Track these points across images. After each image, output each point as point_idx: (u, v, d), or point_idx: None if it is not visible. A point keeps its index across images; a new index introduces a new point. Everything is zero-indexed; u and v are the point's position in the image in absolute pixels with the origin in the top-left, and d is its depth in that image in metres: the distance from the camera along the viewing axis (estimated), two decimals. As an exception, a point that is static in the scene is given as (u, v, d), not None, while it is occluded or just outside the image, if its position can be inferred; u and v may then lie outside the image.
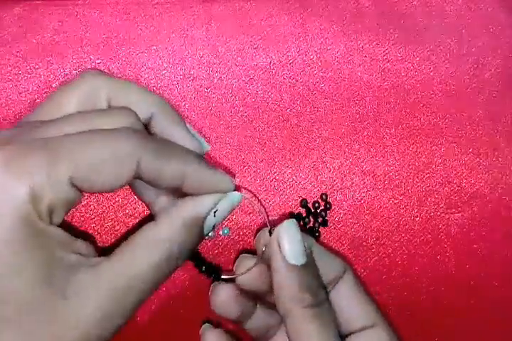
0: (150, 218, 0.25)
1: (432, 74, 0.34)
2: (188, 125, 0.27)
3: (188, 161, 0.24)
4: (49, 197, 0.20)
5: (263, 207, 0.31)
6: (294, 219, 0.26)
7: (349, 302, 0.27)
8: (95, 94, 0.25)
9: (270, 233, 0.26)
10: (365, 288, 0.29)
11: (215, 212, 0.25)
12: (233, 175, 0.32)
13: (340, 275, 0.28)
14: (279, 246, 0.25)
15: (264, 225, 0.29)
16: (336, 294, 0.27)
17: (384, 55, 0.34)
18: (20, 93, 0.32)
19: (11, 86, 0.32)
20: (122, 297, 0.21)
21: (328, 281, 0.27)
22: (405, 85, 0.34)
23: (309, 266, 0.26)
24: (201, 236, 0.25)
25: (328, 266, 0.27)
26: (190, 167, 0.24)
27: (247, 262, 0.28)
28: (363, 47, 0.34)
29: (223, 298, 0.28)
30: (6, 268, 0.19)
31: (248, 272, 0.28)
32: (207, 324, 0.30)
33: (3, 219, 0.19)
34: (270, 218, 0.28)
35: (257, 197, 0.31)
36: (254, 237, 0.29)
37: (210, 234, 0.30)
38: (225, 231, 0.31)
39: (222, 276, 0.29)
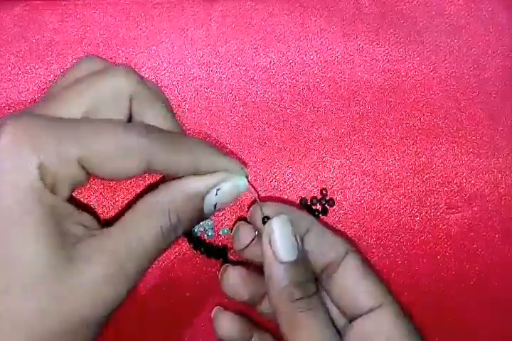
0: (150, 189, 0.25)
1: (431, 74, 0.34)
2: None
3: (198, 152, 0.24)
4: (57, 172, 0.21)
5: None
6: (286, 216, 0.26)
7: (353, 284, 0.27)
8: (118, 95, 0.24)
9: (264, 221, 0.26)
10: (370, 268, 0.28)
11: (217, 191, 0.25)
12: (245, 164, 0.32)
13: (342, 256, 0.27)
14: (270, 242, 0.25)
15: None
16: (340, 276, 0.27)
17: (384, 55, 0.34)
18: (20, 93, 0.32)
19: (10, 86, 0.32)
20: (125, 262, 0.22)
21: (329, 263, 0.27)
22: (405, 85, 0.34)
23: (300, 261, 0.26)
24: (201, 212, 0.25)
25: (328, 247, 0.27)
26: (201, 158, 0.24)
27: (245, 229, 0.28)
28: (363, 47, 0.34)
29: (233, 281, 0.28)
30: (19, 234, 0.20)
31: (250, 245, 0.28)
32: (218, 307, 0.30)
33: (15, 189, 0.20)
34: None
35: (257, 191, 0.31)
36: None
37: (209, 233, 0.31)
38: (225, 231, 0.31)
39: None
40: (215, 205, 0.25)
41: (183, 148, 0.24)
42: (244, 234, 0.28)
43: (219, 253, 0.31)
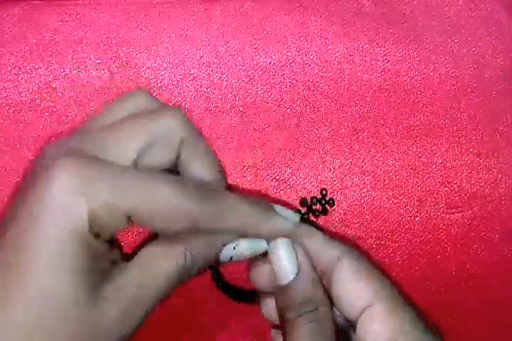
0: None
1: (431, 74, 0.34)
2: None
3: (245, 217, 0.24)
4: (104, 222, 0.21)
5: None
6: (287, 241, 0.26)
7: (345, 287, 0.26)
8: (170, 138, 0.24)
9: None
10: (366, 265, 0.27)
11: (236, 246, 0.25)
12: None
13: (336, 260, 0.27)
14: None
15: None
16: (334, 280, 0.27)
17: (384, 55, 0.34)
18: (20, 93, 0.32)
19: (11, 86, 0.32)
20: (136, 301, 0.22)
21: (324, 268, 0.27)
22: (405, 85, 0.34)
23: (305, 276, 0.26)
24: (217, 256, 0.25)
25: (322, 253, 0.27)
26: (247, 224, 0.24)
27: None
28: (363, 47, 0.34)
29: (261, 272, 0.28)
30: (59, 271, 0.20)
31: None
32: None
33: (64, 232, 0.20)
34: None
35: None
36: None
37: None
38: None
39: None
40: (231, 257, 0.25)
41: (230, 213, 0.24)
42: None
43: (248, 297, 0.30)
